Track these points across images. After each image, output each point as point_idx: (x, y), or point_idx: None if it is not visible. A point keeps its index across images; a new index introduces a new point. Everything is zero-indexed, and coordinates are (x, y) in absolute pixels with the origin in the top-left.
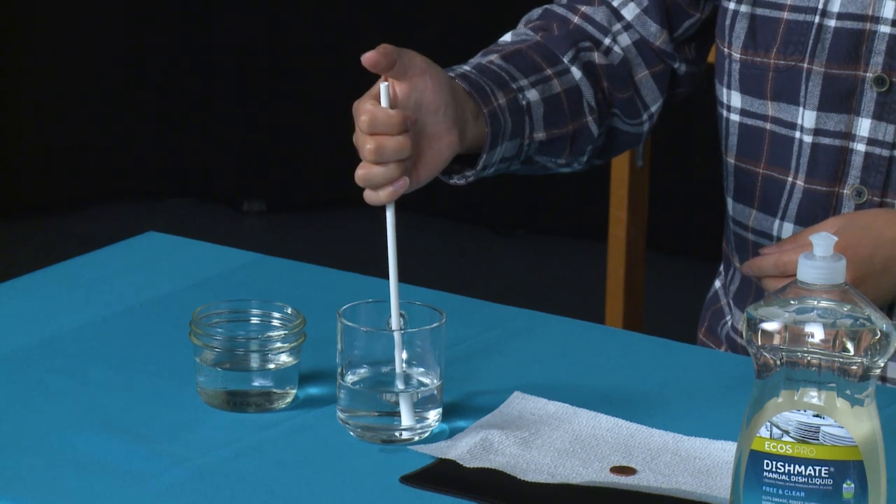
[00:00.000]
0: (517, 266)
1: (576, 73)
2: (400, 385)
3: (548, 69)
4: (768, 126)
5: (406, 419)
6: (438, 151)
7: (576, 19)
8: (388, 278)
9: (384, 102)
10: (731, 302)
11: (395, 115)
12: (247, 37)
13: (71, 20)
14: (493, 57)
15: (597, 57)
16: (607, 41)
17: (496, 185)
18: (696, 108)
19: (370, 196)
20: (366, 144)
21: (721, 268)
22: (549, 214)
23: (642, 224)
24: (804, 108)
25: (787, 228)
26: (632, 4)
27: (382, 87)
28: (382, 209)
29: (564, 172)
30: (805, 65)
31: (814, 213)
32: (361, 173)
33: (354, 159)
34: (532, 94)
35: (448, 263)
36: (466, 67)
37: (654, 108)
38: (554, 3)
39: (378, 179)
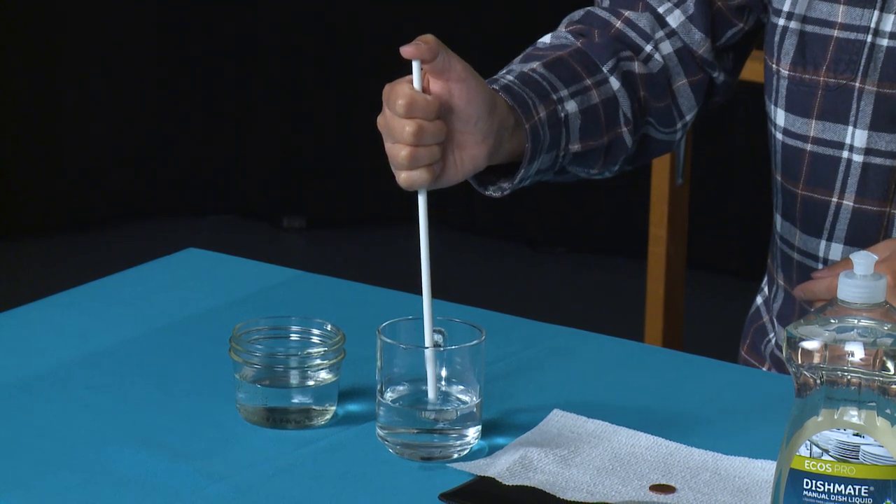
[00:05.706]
0: (556, 284)
1: (614, 83)
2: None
3: (587, 79)
4: (808, 146)
5: (431, 394)
6: (460, 161)
7: (618, 24)
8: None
9: (416, 83)
10: (774, 319)
11: (432, 101)
12: (288, 53)
13: (109, 40)
14: (536, 65)
15: (636, 66)
16: (648, 48)
17: (535, 202)
18: (736, 125)
19: (411, 176)
20: (405, 127)
21: (764, 284)
22: (588, 232)
23: (682, 242)
24: (855, 127)
25: (836, 249)
26: (677, 11)
27: (415, 65)
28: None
29: (596, 179)
30: (857, 84)
31: (864, 233)
32: (405, 153)
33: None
34: (570, 106)
35: (487, 281)
36: (510, 77)
37: (689, 118)
38: (596, 4)
39: (424, 160)
